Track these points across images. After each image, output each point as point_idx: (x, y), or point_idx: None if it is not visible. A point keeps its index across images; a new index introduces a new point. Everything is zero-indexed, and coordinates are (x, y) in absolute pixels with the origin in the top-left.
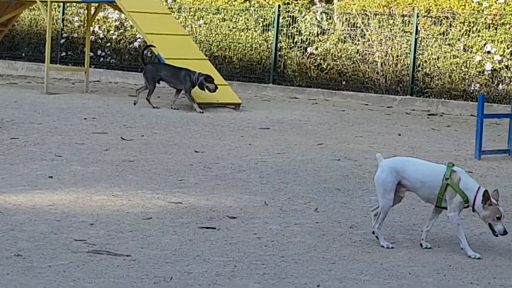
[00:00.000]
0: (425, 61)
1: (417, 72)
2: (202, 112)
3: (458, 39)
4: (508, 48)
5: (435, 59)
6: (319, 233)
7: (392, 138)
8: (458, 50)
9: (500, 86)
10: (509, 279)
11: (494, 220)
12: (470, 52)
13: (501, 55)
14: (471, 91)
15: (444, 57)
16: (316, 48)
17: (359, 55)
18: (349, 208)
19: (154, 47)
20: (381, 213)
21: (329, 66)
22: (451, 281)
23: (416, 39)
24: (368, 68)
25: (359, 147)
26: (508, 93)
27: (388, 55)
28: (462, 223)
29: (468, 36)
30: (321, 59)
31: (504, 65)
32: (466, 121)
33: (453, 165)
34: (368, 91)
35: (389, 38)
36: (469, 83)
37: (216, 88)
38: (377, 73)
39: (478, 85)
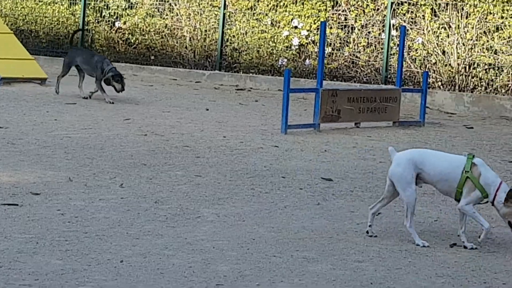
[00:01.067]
0: (233, 36)
1: (226, 47)
2: (112, 103)
3: (266, 14)
4: (314, 23)
5: (243, 34)
6: (124, 209)
7: (200, 113)
8: (265, 25)
9: (307, 61)
10: (311, 251)
11: None
12: (278, 27)
13: (308, 30)
14: (279, 66)
15: (252, 32)
16: (124, 23)
17: (168, 30)
18: (154, 183)
19: (82, 31)
20: (408, 209)
21: (137, 41)
22: (255, 254)
23: (224, 14)
24: (177, 43)
25: (166, 122)
26: (315, 68)
27: (196, 29)
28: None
29: (276, 11)
30: (129, 33)
31: (311, 40)
32: (274, 96)
33: (473, 156)
34: (176, 66)
35: (198, 12)
36: (276, 58)
37: (123, 89)
38: (186, 48)
39: (285, 60)
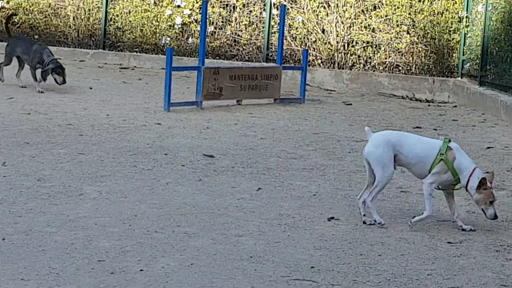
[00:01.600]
0: (117, 15)
1: (109, 26)
2: (42, 92)
3: None
4: (197, 3)
5: (126, 13)
6: (6, 187)
7: (83, 91)
8: (149, 4)
9: (190, 40)
10: (192, 226)
11: (486, 204)
12: (161, 7)
13: (190, 9)
14: (162, 44)
15: (135, 11)
16: (8, 2)
17: (51, 9)
18: (37, 161)
19: (16, 15)
20: (377, 187)
21: (21, 20)
22: (137, 230)
23: None
24: (61, 22)
25: (50, 101)
26: (198, 46)
27: (80, 9)
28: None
29: None
30: (13, 13)
31: (194, 19)
32: (157, 74)
33: (450, 140)
34: (60, 45)
35: None
36: (160, 37)
37: (64, 81)
38: (70, 27)
39: (168, 38)
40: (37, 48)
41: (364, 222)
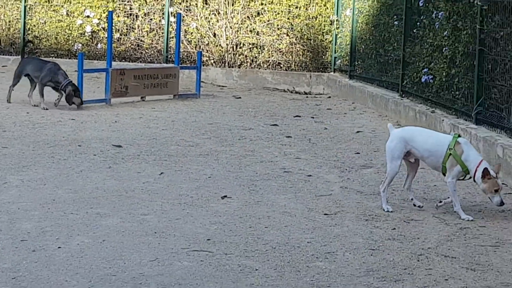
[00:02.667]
0: (34, 25)
1: (28, 35)
2: (47, 109)
3: (62, 6)
4: (104, 13)
5: (42, 23)
6: None
7: (5, 93)
8: (62, 15)
9: (99, 45)
10: (103, 207)
11: (492, 193)
12: (72, 17)
13: (98, 19)
14: (75, 50)
15: (50, 22)
16: None
17: None
18: None
19: (32, 43)
20: (387, 178)
21: None
22: (55, 212)
23: (25, 7)
24: None
25: None
26: (105, 51)
27: (1, 20)
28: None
29: (70, 3)
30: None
31: (102, 27)
32: (71, 76)
33: (459, 136)
34: None
35: (1, 5)
36: (72, 43)
37: (82, 103)
38: None
39: (80, 45)
40: (51, 67)
41: (414, 205)
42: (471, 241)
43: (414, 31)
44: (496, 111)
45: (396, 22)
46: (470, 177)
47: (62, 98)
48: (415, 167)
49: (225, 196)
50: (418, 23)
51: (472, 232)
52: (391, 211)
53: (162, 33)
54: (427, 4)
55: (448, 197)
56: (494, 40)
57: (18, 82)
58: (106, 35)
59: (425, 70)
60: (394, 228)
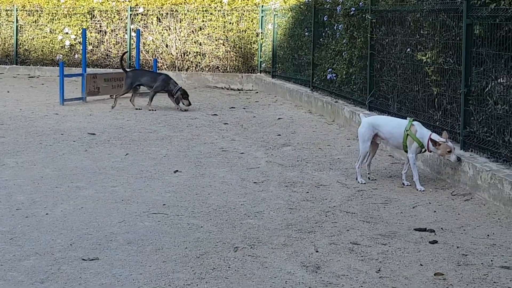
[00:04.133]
0: (25, 41)
1: (20, 49)
2: (155, 110)
3: (46, 25)
4: (79, 30)
5: (31, 39)
6: None
7: (3, 94)
8: (46, 32)
9: (76, 56)
10: (81, 182)
11: (447, 154)
12: (55, 34)
13: (75, 35)
14: (57, 59)
15: (37, 38)
16: None
17: None
18: None
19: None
20: (360, 156)
21: None
22: (43, 187)
23: (17, 26)
24: None
25: None
26: (81, 60)
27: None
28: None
29: (53, 22)
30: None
31: (78, 41)
32: (55, 80)
33: (414, 119)
34: None
35: None
36: (55, 54)
37: (190, 104)
38: None
39: (61, 55)
40: (164, 78)
41: (369, 178)
42: (366, 200)
43: (321, 40)
44: (384, 100)
45: (306, 33)
46: (425, 150)
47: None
48: (375, 149)
49: (177, 171)
50: (323, 34)
51: (367, 193)
52: (364, 183)
53: (126, 45)
54: (330, 19)
55: (405, 169)
56: (381, 45)
57: (127, 92)
58: (81, 48)
59: (329, 70)
60: (308, 192)
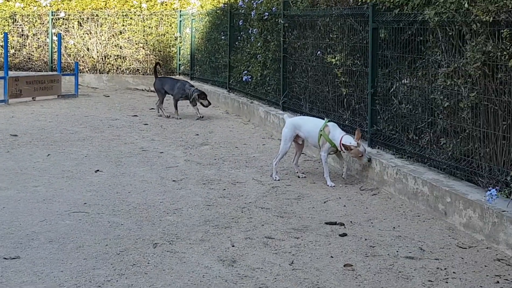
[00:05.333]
0: None
1: None
2: (180, 118)
3: None
4: (1, 34)
5: None
6: None
7: None
8: None
9: None
10: (3, 182)
11: (359, 158)
12: None
13: None
14: None
15: None
16: None
17: None
18: None
19: (160, 65)
20: (279, 154)
21: None
22: None
23: None
24: None
25: None
26: (3, 63)
27: None
28: None
29: None
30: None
31: (0, 45)
32: None
33: (330, 120)
34: None
35: None
36: None
37: (209, 103)
38: None
39: None
40: (179, 85)
41: (298, 177)
42: (280, 196)
43: (236, 43)
44: (297, 100)
45: (223, 37)
46: (337, 150)
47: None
48: (301, 148)
49: (98, 170)
50: (239, 37)
51: (281, 189)
52: (278, 180)
53: (47, 49)
54: (245, 23)
55: (344, 168)
56: (294, 48)
57: (163, 98)
58: (3, 51)
59: (245, 72)
60: (225, 189)
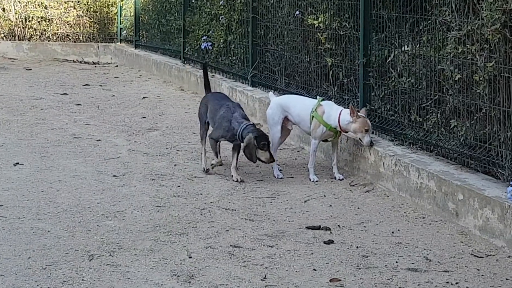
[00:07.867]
0: None
1: None
2: (221, 164)
3: None
4: None
5: None
6: None
7: None
8: None
9: None
10: None
11: (362, 132)
12: None
13: None
14: None
15: None
16: None
17: None
18: None
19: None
20: (272, 144)
21: None
22: None
23: None
24: None
25: None
26: None
27: None
28: None
29: None
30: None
31: None
32: None
33: (323, 99)
34: None
35: None
36: None
37: (272, 159)
38: None
39: None
40: (224, 115)
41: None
42: (250, 194)
43: (193, 1)
44: (270, 74)
45: None
46: (337, 131)
47: None
48: (286, 135)
49: (17, 163)
50: None
51: (251, 186)
52: (282, 177)
53: None
54: None
55: (333, 161)
56: (266, 7)
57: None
58: None
59: (204, 37)
60: (179, 186)
